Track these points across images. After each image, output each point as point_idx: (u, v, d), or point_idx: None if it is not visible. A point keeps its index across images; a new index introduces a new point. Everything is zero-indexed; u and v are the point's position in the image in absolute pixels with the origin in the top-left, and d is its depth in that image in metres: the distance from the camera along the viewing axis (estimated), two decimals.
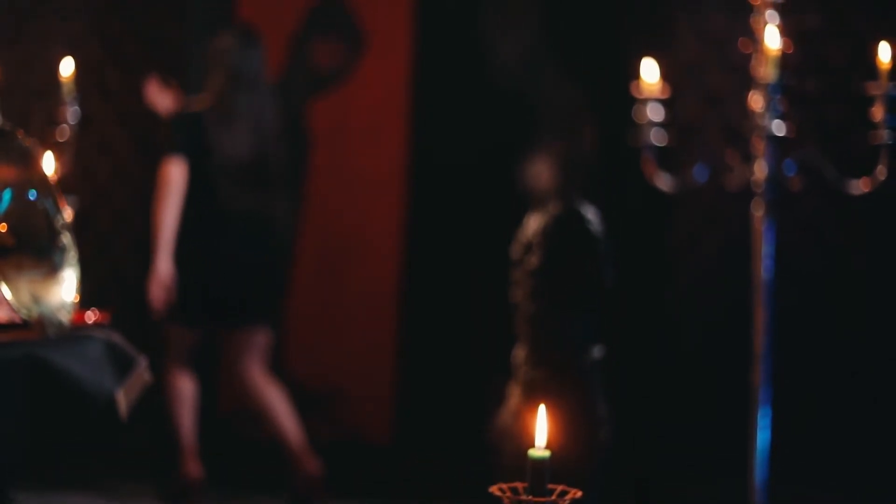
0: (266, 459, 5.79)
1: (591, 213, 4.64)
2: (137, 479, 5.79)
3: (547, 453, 1.91)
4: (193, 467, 5.40)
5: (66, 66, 4.18)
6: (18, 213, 2.57)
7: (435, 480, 5.90)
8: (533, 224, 4.60)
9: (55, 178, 2.73)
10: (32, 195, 2.62)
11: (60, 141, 4.25)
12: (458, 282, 6.44)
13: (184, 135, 5.27)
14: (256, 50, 5.39)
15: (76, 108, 4.24)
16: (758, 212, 4.23)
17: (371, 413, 6.52)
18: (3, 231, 2.57)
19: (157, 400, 5.08)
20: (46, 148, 3.63)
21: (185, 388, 5.41)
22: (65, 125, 4.26)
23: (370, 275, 6.57)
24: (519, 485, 1.99)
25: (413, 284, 6.54)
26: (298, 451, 5.37)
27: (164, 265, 5.17)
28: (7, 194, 2.58)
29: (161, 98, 5.50)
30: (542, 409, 1.94)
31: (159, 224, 5.18)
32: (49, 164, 2.97)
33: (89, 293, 2.88)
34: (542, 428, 1.93)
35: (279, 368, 5.87)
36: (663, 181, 4.35)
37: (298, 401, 5.52)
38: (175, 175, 5.18)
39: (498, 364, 5.12)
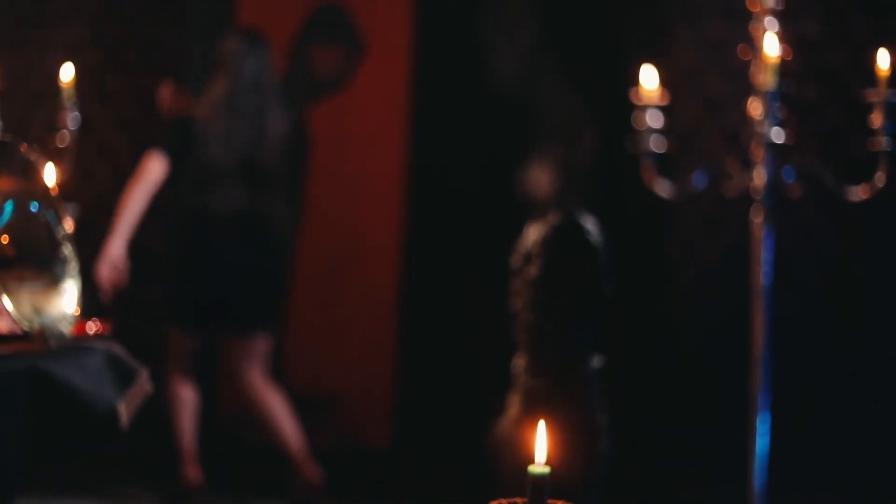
0: (266, 464, 5.79)
1: (590, 224, 4.64)
2: (138, 483, 5.80)
3: (547, 469, 1.92)
4: (193, 472, 5.41)
5: (67, 72, 4.18)
6: (20, 225, 2.58)
7: (434, 485, 5.90)
8: (532, 234, 4.60)
9: (56, 188, 2.74)
10: (34, 207, 2.63)
11: (61, 146, 4.25)
12: (457, 285, 6.45)
13: (171, 135, 5.30)
14: (261, 52, 5.40)
15: (76, 113, 4.24)
16: (757, 218, 4.24)
17: (370, 418, 6.53)
18: (4, 243, 2.57)
19: (157, 406, 5.09)
20: (47, 154, 3.63)
21: (186, 396, 5.42)
22: (65, 130, 4.26)
23: (370, 280, 6.57)
24: (519, 500, 2.00)
25: (413, 289, 6.55)
26: (299, 458, 5.37)
27: (116, 247, 5.18)
28: (9, 206, 2.58)
29: (172, 103, 5.52)
30: (541, 424, 1.94)
31: (122, 207, 5.21)
32: (50, 175, 2.97)
33: (89, 302, 2.88)
34: (541, 444, 1.93)
35: (279, 373, 5.87)
36: (662, 188, 4.36)
37: (298, 406, 5.53)
38: (150, 167, 5.22)
39: (497, 368, 5.12)
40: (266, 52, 5.42)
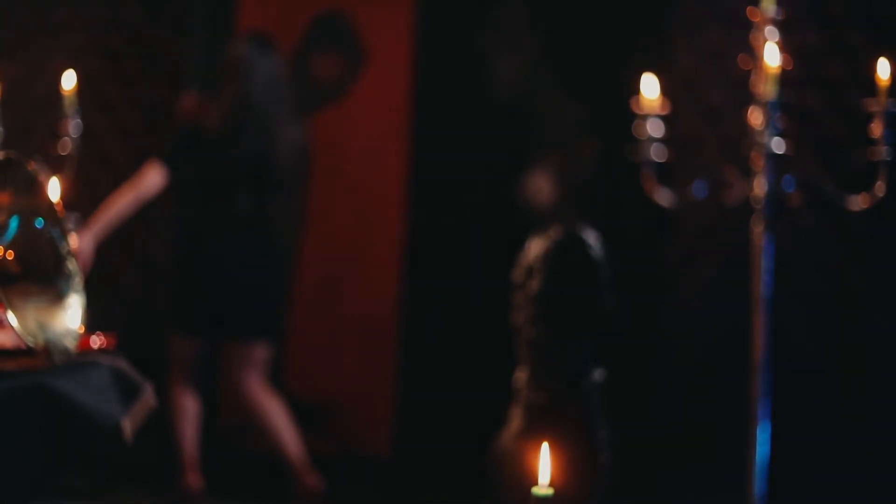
0: (266, 470, 5.80)
1: (592, 238, 4.65)
2: (139, 489, 5.81)
3: (550, 491, 1.93)
4: (194, 479, 5.43)
5: (69, 80, 4.19)
6: (25, 241, 2.59)
7: (434, 494, 5.91)
8: (534, 248, 4.62)
9: (61, 204, 2.75)
10: (39, 223, 2.64)
11: (62, 155, 4.26)
12: (458, 295, 6.44)
13: (175, 144, 5.30)
14: (271, 58, 5.39)
15: (78, 121, 4.24)
16: (757, 227, 4.25)
17: (370, 426, 6.53)
18: (9, 259, 2.58)
19: (160, 413, 5.10)
20: (49, 162, 3.64)
21: (189, 405, 5.43)
22: (66, 139, 4.26)
23: (370, 289, 6.56)
24: None
25: (413, 298, 6.54)
26: (298, 466, 5.38)
27: (85, 240, 5.14)
28: (14, 222, 2.59)
29: (192, 114, 5.49)
30: (545, 446, 1.95)
31: (106, 206, 5.19)
32: (55, 190, 2.99)
33: (92, 313, 2.89)
34: (545, 466, 1.94)
35: (279, 382, 5.88)
36: (663, 196, 4.37)
37: (298, 413, 5.53)
38: (147, 176, 5.21)
39: (497, 377, 5.13)
40: (275, 57, 5.42)
